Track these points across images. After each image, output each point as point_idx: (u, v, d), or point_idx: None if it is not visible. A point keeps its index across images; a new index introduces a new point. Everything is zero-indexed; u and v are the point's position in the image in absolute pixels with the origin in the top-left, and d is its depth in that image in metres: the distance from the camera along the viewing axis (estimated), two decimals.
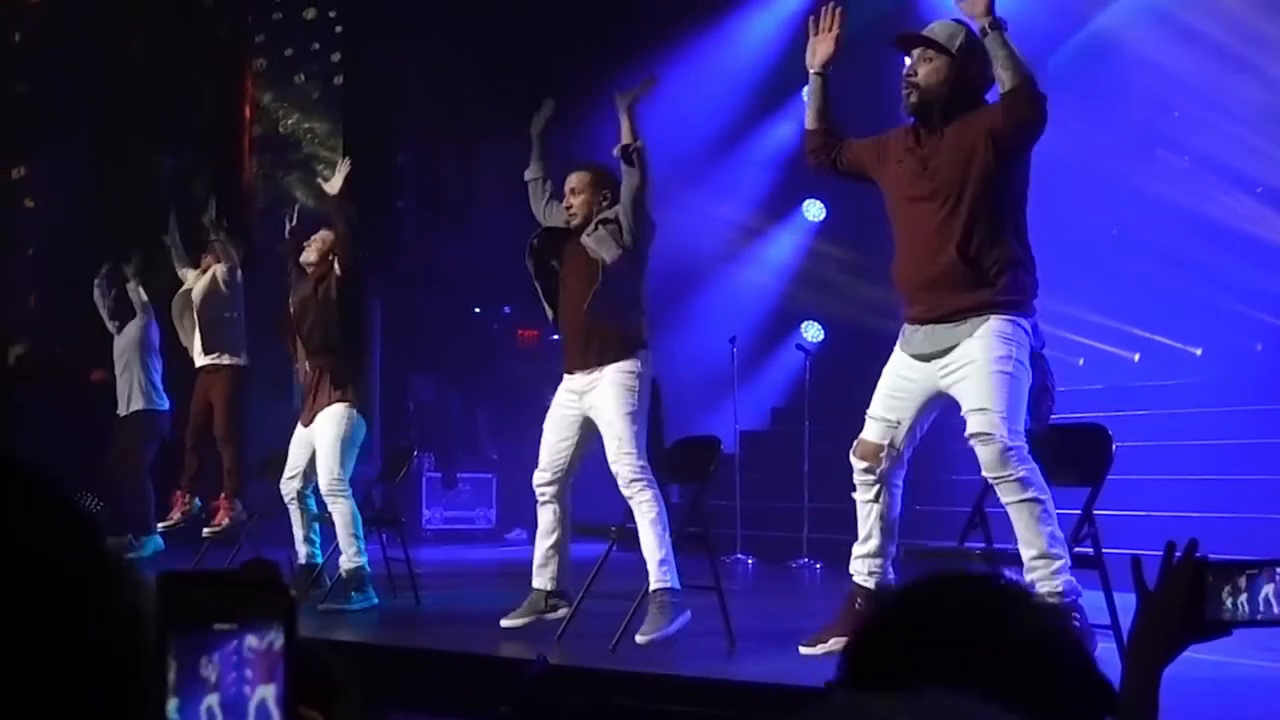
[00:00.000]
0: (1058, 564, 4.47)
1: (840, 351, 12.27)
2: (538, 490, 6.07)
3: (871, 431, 5.02)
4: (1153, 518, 7.82)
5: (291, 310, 7.64)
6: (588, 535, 6.28)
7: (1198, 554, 1.91)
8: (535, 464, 6.16)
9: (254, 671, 1.20)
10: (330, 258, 7.47)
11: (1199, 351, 10.49)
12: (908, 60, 4.96)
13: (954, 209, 4.80)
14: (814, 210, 13.65)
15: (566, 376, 6.05)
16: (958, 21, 4.94)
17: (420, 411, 13.55)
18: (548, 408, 6.25)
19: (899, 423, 4.99)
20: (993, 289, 4.75)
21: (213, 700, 1.21)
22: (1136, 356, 10.70)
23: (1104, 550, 4.71)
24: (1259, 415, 9.12)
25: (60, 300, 12.21)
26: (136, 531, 9.21)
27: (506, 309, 14.39)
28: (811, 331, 13.30)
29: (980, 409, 4.62)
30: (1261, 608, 1.91)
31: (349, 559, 7.19)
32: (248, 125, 14.00)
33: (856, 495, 5.04)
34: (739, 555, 10.41)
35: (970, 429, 4.65)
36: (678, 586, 5.66)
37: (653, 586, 5.62)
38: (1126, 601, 4.25)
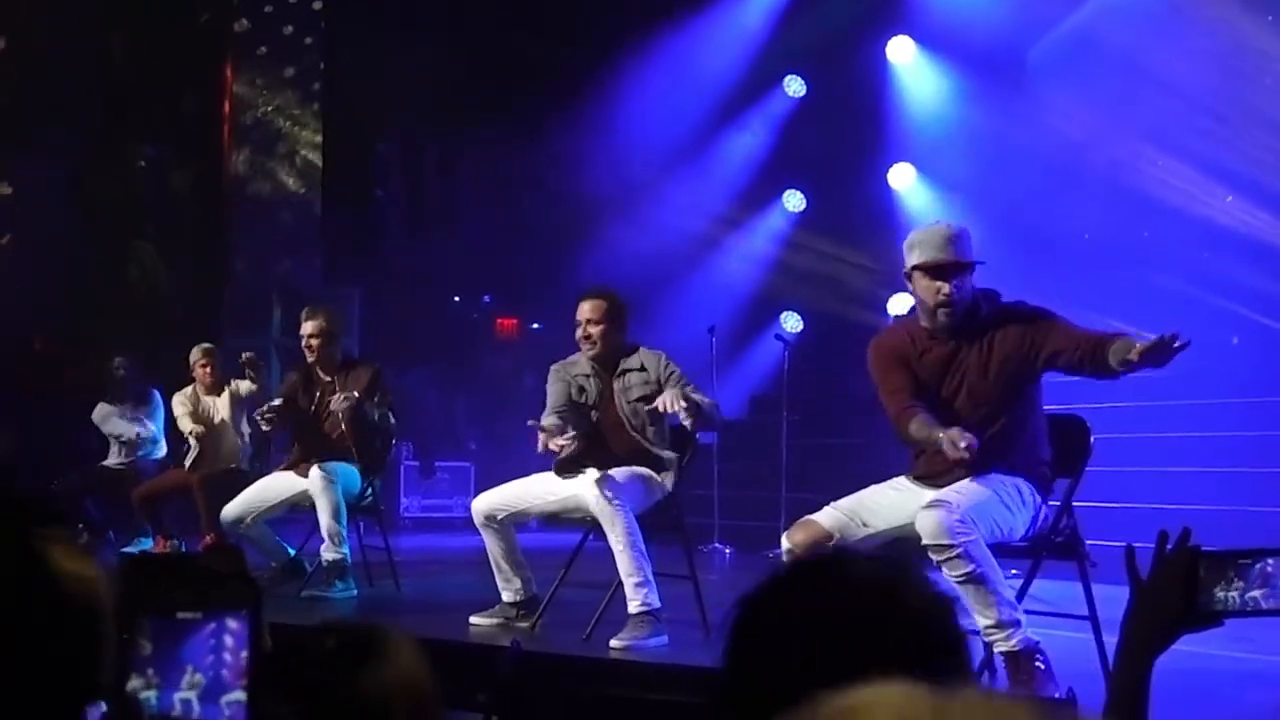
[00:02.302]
0: (1012, 630, 4.34)
1: (819, 342, 12.30)
2: (479, 518, 5.97)
3: (826, 517, 4.65)
4: (1130, 510, 7.86)
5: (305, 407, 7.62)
6: (563, 525, 6.26)
7: (1190, 544, 1.91)
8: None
9: (232, 655, 1.21)
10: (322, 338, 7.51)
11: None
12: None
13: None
14: (794, 200, 13.66)
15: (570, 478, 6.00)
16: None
17: (398, 400, 13.52)
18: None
19: (866, 528, 4.64)
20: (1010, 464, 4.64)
21: (189, 686, 1.22)
22: (1235, 339, 10.68)
23: (1084, 542, 4.71)
24: (1236, 408, 9.16)
25: (42, 293, 12.15)
26: (131, 529, 9.21)
27: (486, 298, 14.37)
28: (791, 322, 13.31)
29: (954, 491, 4.46)
30: (1253, 599, 1.90)
31: (332, 551, 7.16)
32: (228, 116, 13.94)
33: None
34: (716, 544, 10.41)
35: (928, 499, 4.45)
36: (658, 606, 5.63)
37: (633, 611, 5.57)
38: (1106, 594, 4.29)
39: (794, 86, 13.62)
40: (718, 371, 11.20)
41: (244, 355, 9.14)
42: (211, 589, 1.25)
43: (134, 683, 1.23)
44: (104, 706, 1.27)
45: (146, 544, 9.06)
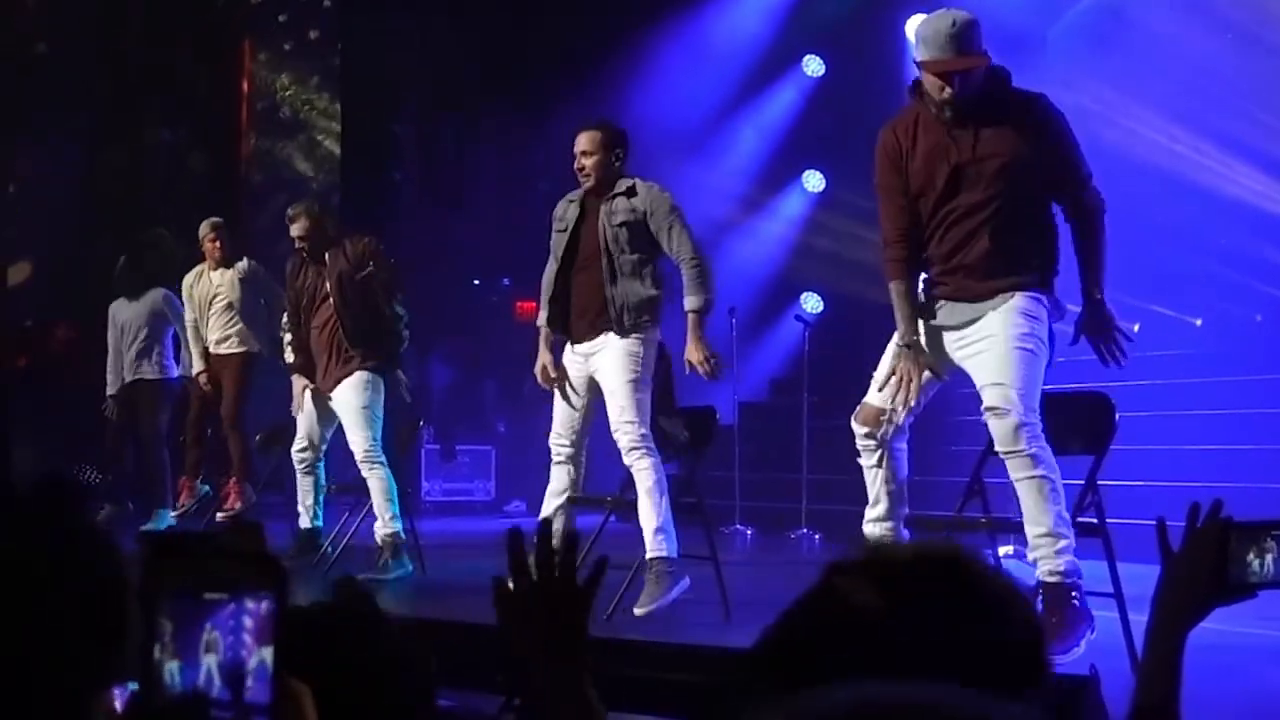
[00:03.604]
0: (1062, 544, 4.41)
1: (839, 323, 12.27)
2: (554, 449, 5.98)
3: (875, 395, 4.91)
4: (1153, 488, 7.83)
5: (301, 292, 7.59)
6: (584, 506, 6.26)
7: (1222, 516, 1.89)
8: (536, 436, 6.14)
9: (251, 636, 1.21)
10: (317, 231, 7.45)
11: (1199, 322, 10.48)
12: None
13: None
14: (813, 181, 13.62)
15: (572, 346, 6.00)
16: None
17: (420, 383, 13.54)
18: (532, 381, 6.23)
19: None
20: (1020, 273, 4.69)
21: (211, 662, 1.22)
22: (1136, 326, 10.65)
23: (1106, 520, 4.69)
24: (1259, 385, 9.12)
25: (57, 273, 12.20)
26: (151, 503, 9.19)
27: (505, 281, 14.36)
28: (811, 303, 13.29)
29: (997, 383, 4.54)
30: None
31: (385, 525, 7.21)
32: (245, 99, 13.94)
33: (861, 460, 4.97)
34: (738, 526, 10.41)
35: (986, 402, 4.56)
36: (675, 555, 5.63)
37: (649, 555, 5.59)
38: (1130, 572, 4.28)
39: (813, 66, 13.57)
40: (738, 353, 11.20)
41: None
42: (237, 569, 1.25)
43: (157, 660, 1.23)
44: (133, 686, 1.28)
45: (166, 516, 9.09)
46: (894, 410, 4.82)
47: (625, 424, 5.71)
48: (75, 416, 10.80)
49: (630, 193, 5.89)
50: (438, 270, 13.63)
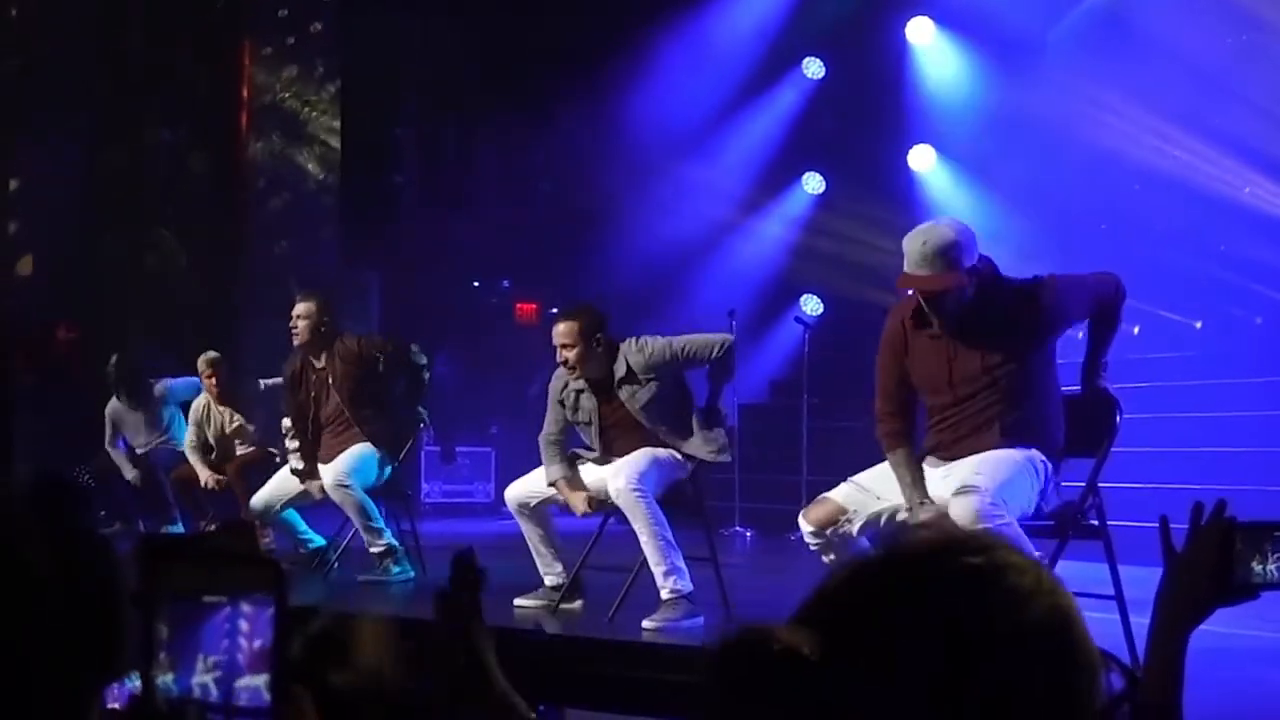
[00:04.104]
0: None
1: (839, 325, 12.26)
2: (513, 506, 6.05)
3: (840, 494, 4.68)
4: (1153, 490, 7.82)
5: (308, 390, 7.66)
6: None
7: (1226, 516, 1.88)
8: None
9: (249, 639, 1.20)
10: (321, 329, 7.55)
11: (1199, 324, 10.47)
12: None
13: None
14: (813, 183, 13.61)
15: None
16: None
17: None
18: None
19: (880, 501, 4.64)
20: (1018, 440, 4.59)
21: (209, 665, 1.21)
22: (1136, 329, 10.67)
23: (1107, 522, 4.69)
24: (1259, 388, 9.11)
25: (58, 273, 12.18)
26: (159, 521, 9.23)
27: (505, 282, 14.36)
28: (810, 305, 13.27)
29: (975, 473, 4.40)
30: None
31: (375, 545, 7.25)
32: (245, 99, 13.93)
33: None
34: (738, 528, 10.40)
35: (956, 486, 4.38)
36: (689, 589, 5.63)
37: (665, 597, 5.58)
38: (1131, 575, 4.27)
39: (813, 68, 13.56)
40: (738, 355, 11.19)
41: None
42: (235, 572, 1.24)
43: (154, 665, 1.22)
44: (134, 685, 1.27)
45: (177, 531, 9.09)
46: (851, 520, 4.61)
47: (622, 471, 5.74)
48: (75, 417, 10.79)
49: (630, 378, 5.93)
50: (438, 271, 13.63)
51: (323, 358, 7.56)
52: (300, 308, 7.59)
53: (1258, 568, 1.85)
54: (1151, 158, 10.97)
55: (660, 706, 4.55)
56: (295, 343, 7.62)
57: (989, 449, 4.53)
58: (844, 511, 4.61)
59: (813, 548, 4.70)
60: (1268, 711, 4.29)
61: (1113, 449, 4.74)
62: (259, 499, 7.59)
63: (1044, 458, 4.58)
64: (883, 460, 4.73)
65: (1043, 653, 1.15)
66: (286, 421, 7.71)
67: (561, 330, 5.96)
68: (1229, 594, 1.84)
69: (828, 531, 4.62)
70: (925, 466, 4.69)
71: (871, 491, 4.65)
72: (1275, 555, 1.86)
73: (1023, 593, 1.17)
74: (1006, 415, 4.58)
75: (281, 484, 7.59)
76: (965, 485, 4.34)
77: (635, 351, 5.93)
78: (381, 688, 1.59)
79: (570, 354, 5.92)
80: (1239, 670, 4.60)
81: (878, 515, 4.63)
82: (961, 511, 4.25)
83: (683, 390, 6.05)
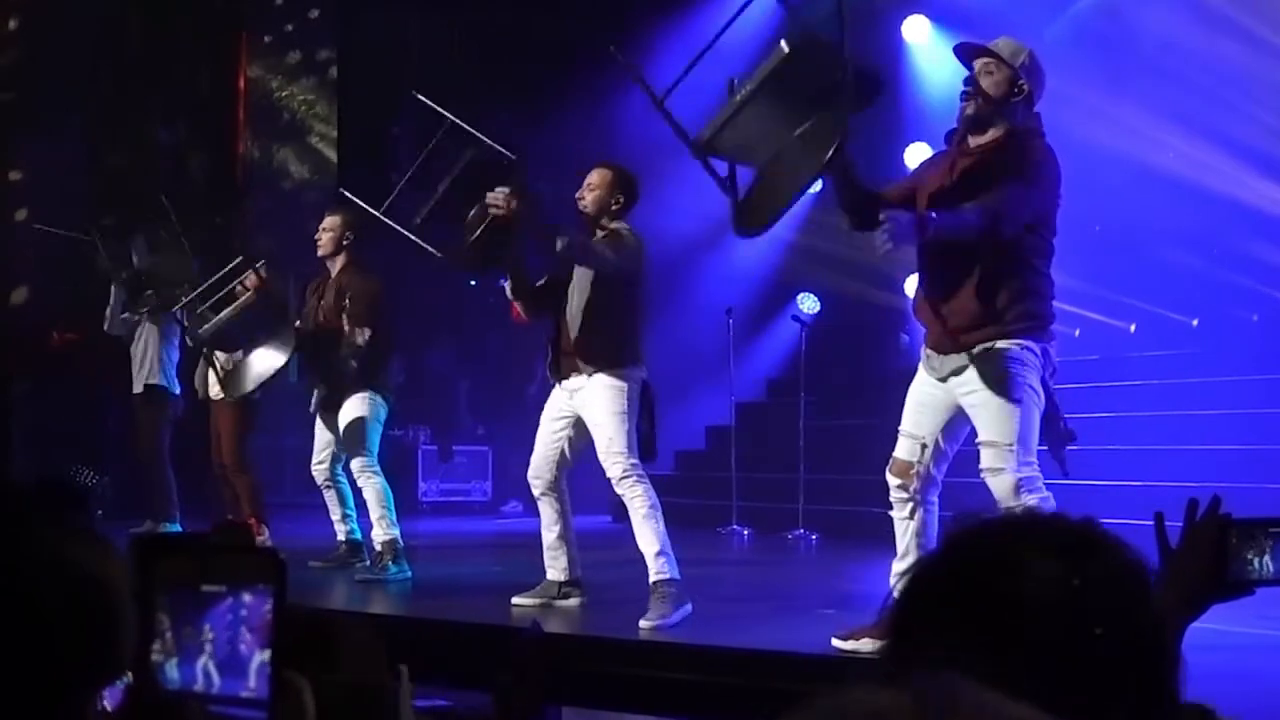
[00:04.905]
0: None
1: (836, 324, 12.26)
2: (531, 484, 6.09)
3: (902, 448, 4.95)
4: (1149, 487, 7.82)
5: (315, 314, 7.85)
6: (588, 508, 6.26)
7: (1221, 512, 1.89)
8: (531, 436, 6.16)
9: (250, 629, 1.21)
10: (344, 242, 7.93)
11: (1195, 322, 10.48)
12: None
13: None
14: None
15: (559, 384, 6.05)
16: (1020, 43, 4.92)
17: (417, 384, 13.53)
18: (543, 379, 6.26)
19: (925, 441, 4.89)
20: (1002, 323, 4.69)
21: (208, 659, 1.22)
22: (1132, 327, 10.68)
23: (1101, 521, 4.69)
24: (1255, 385, 9.12)
25: (56, 277, 12.16)
26: (157, 517, 9.16)
27: (501, 281, 14.33)
28: (808, 303, 13.26)
29: (990, 442, 4.66)
30: None
31: (383, 532, 7.34)
32: (242, 98, 13.93)
33: (893, 512, 4.95)
34: (735, 526, 10.40)
35: (982, 463, 4.70)
36: (677, 576, 5.66)
37: (653, 578, 5.62)
38: None
39: None
40: (735, 353, 11.20)
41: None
42: (236, 563, 1.25)
43: (155, 656, 1.23)
44: (127, 678, 1.28)
45: (174, 530, 9.06)
46: (920, 462, 4.84)
47: (612, 454, 5.77)
48: (75, 418, 10.78)
49: (605, 234, 6.06)
50: (434, 271, 13.62)
51: (338, 264, 7.98)
52: (327, 220, 8.10)
53: (1253, 563, 1.86)
54: (1147, 154, 10.96)
55: (660, 705, 4.57)
56: (319, 253, 8.05)
57: (978, 345, 4.67)
58: (911, 464, 4.88)
59: (899, 501, 4.92)
60: (1264, 707, 4.29)
61: (1106, 447, 4.77)
62: (321, 458, 7.73)
63: (1035, 346, 4.70)
64: (883, 467, 4.96)
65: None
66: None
67: (597, 173, 6.13)
68: (1224, 590, 1.85)
69: (911, 487, 4.86)
70: (923, 375, 4.90)
71: (915, 435, 4.88)
72: (1270, 551, 1.87)
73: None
74: (991, 283, 4.70)
75: (321, 437, 7.77)
76: (988, 467, 4.64)
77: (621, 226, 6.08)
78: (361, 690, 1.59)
79: (589, 194, 6.08)
80: (1234, 665, 4.60)
81: (934, 455, 4.88)
82: (1000, 491, 4.60)
83: (635, 289, 6.12)
